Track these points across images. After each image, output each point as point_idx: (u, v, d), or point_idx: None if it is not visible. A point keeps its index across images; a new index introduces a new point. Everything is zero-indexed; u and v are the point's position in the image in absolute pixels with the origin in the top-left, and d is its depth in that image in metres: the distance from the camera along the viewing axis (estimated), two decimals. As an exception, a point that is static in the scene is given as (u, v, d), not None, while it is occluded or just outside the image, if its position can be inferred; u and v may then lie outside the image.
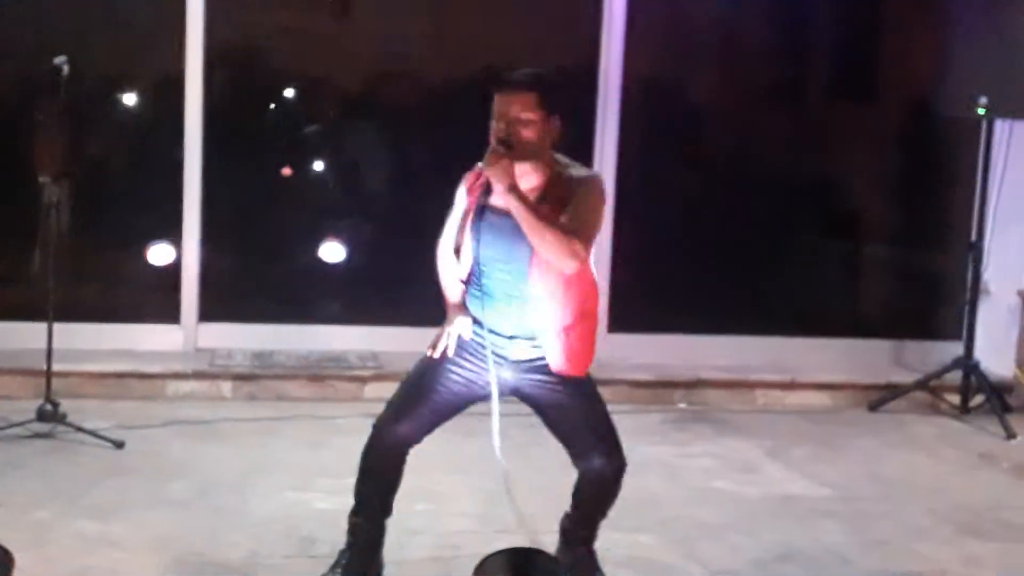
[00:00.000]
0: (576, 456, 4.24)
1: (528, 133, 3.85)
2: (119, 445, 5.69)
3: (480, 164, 3.94)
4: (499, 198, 3.93)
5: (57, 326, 5.83)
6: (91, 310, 6.61)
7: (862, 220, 7.75)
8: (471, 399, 4.22)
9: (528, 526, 4.70)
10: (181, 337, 6.91)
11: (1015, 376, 7.12)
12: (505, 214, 3.91)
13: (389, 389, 6.24)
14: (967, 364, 6.88)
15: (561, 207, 3.89)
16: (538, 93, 3.89)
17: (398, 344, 6.50)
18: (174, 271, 6.90)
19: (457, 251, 4.10)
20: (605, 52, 7.10)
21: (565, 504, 5.29)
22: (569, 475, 5.62)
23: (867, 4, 7.66)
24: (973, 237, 6.91)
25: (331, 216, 7.25)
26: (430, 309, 6.88)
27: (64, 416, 5.78)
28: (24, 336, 6.20)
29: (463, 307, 4.13)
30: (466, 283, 4.13)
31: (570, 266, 3.88)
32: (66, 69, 5.55)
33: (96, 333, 6.68)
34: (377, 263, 7.18)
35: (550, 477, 5.59)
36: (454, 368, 4.14)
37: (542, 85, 3.92)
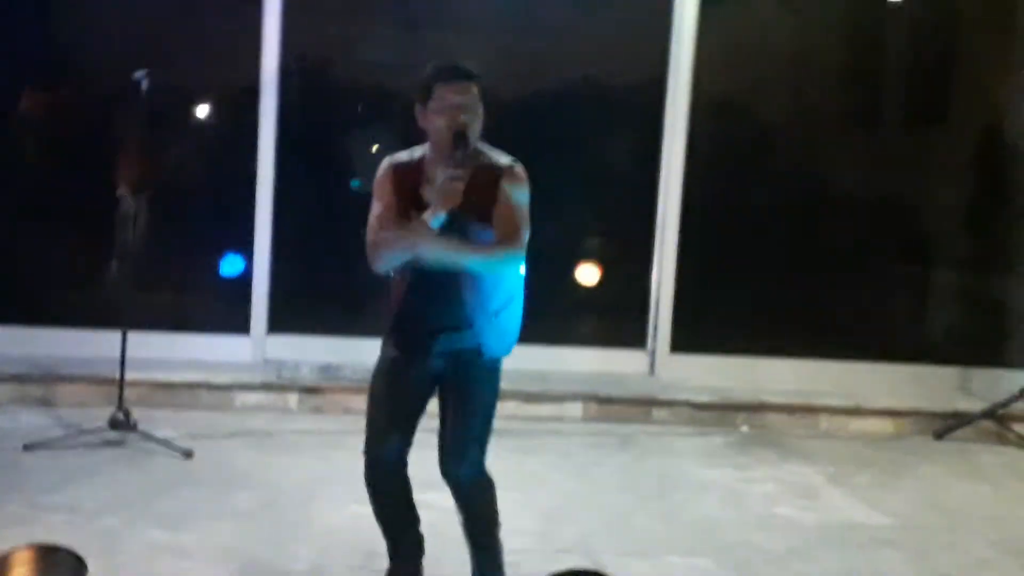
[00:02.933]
0: (445, 456, 4.17)
1: (476, 124, 3.90)
2: (188, 455, 5.76)
3: (396, 157, 4.04)
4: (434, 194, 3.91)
5: (130, 335, 5.92)
6: (163, 320, 6.68)
7: (932, 245, 7.71)
8: (430, 394, 4.22)
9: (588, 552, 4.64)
10: (250, 348, 6.98)
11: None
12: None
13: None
14: (1038, 392, 6.87)
15: (486, 194, 3.92)
16: (479, 84, 3.93)
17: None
18: (245, 282, 6.98)
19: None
20: (674, 68, 7.11)
21: (623, 523, 5.35)
22: (624, 495, 5.70)
23: (941, 30, 7.60)
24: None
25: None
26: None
27: (135, 425, 5.87)
28: (99, 344, 6.27)
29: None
30: (401, 278, 4.11)
31: (508, 269, 4.03)
32: (145, 83, 5.63)
33: (168, 343, 6.76)
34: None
35: (609, 497, 5.68)
36: (406, 371, 4.14)
37: (480, 77, 3.95)
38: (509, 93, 7.20)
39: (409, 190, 3.99)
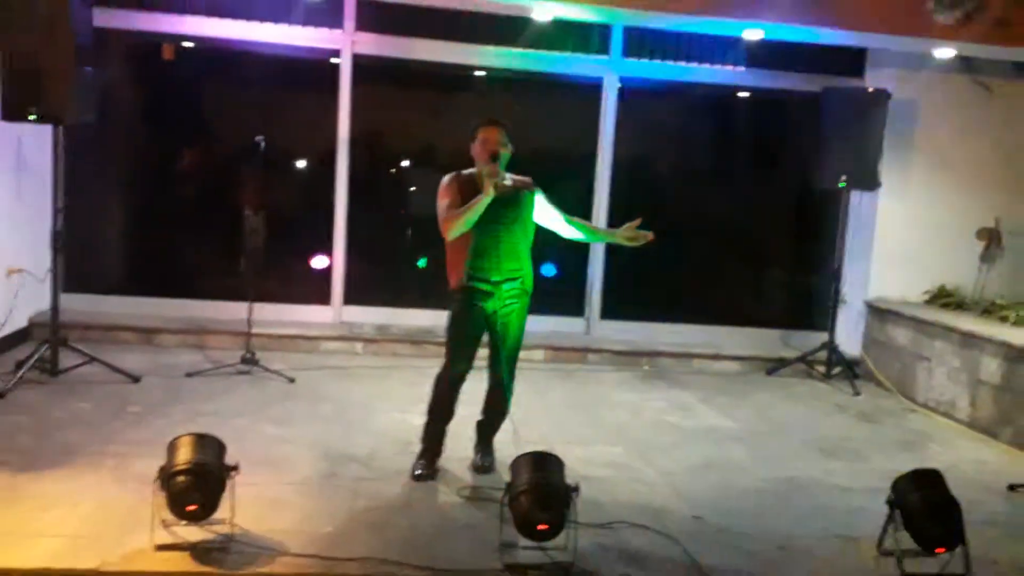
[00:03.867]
0: (498, 368, 4.42)
1: (504, 150, 4.27)
2: (291, 380, 5.80)
3: (459, 173, 4.32)
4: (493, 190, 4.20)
5: (257, 306, 5.98)
6: (275, 295, 6.64)
7: (765, 252, 7.75)
8: (484, 331, 4.38)
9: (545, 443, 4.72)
10: (331, 313, 6.98)
11: (861, 355, 7.18)
12: (501, 199, 4.21)
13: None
14: (831, 346, 6.95)
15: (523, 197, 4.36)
16: (506, 128, 4.31)
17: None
18: (328, 272, 6.97)
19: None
20: (602, 140, 7.15)
21: (568, 426, 5.41)
22: (569, 409, 5.73)
23: (772, 113, 7.68)
24: (836, 264, 6.98)
25: (427, 238, 7.34)
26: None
27: (257, 361, 5.93)
28: (234, 311, 6.29)
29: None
30: (459, 248, 4.29)
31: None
32: (262, 144, 5.69)
33: (278, 310, 6.75)
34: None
35: (559, 410, 5.74)
36: (474, 315, 4.31)
37: (506, 124, 4.32)
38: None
39: (466, 191, 4.25)
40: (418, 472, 4.35)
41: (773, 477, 4.80)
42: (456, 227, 4.19)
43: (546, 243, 7.35)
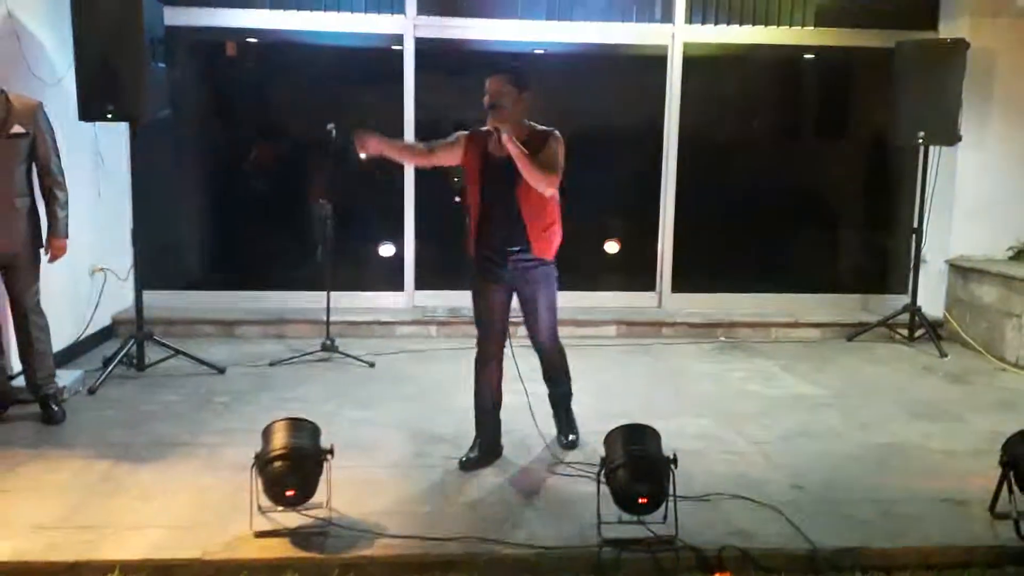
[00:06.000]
0: (533, 335, 4.18)
1: (505, 101, 3.84)
2: (371, 365, 5.77)
3: (482, 128, 3.94)
4: (496, 150, 3.91)
5: (332, 294, 5.94)
6: (350, 283, 6.59)
7: (840, 216, 7.49)
8: (509, 303, 4.13)
9: (630, 417, 4.59)
10: (404, 298, 6.93)
11: (944, 316, 6.89)
12: (502, 161, 3.88)
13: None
14: (913, 308, 6.68)
15: (540, 146, 3.90)
16: (510, 74, 3.89)
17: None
18: (399, 259, 6.92)
19: (431, 151, 4.09)
20: (667, 111, 6.96)
21: (648, 398, 5.24)
22: (647, 381, 5.58)
23: (839, 75, 7.40)
24: (915, 224, 6.70)
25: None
26: (566, 277, 6.90)
27: (337, 347, 5.90)
28: (313, 300, 6.28)
29: (381, 144, 3.99)
30: (475, 218, 4.02)
31: (549, 190, 3.90)
32: (334, 132, 5.57)
33: (353, 297, 6.70)
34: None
35: (637, 382, 5.58)
36: (491, 292, 4.08)
37: (513, 70, 3.92)
38: (571, 128, 7.05)
39: (471, 147, 4.02)
40: (462, 459, 4.15)
41: (870, 442, 4.60)
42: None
43: (614, 216, 7.37)
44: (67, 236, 4.58)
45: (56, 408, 4.63)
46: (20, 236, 4.45)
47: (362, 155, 3.96)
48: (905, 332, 6.70)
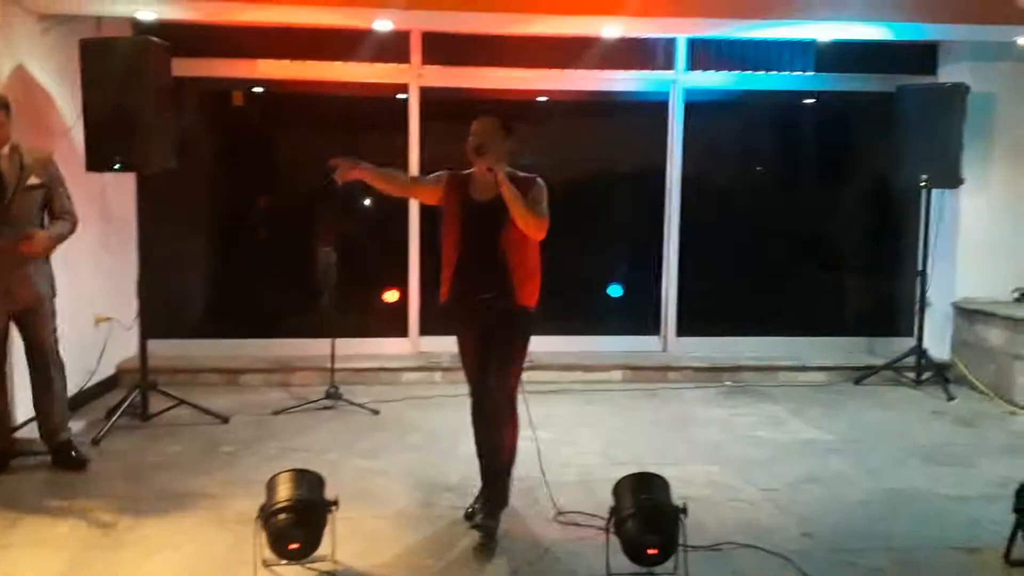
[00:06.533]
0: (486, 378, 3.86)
1: (492, 144, 3.73)
2: (376, 412, 5.72)
3: (463, 172, 3.85)
4: (479, 195, 3.80)
5: (337, 340, 5.90)
6: (354, 330, 6.53)
7: (845, 259, 7.46)
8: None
9: (639, 464, 4.54)
10: (409, 345, 6.89)
11: (951, 359, 6.83)
12: (485, 206, 3.77)
13: (541, 375, 6.32)
14: (919, 351, 6.63)
15: (524, 193, 3.72)
16: (497, 118, 3.81)
17: (549, 347, 6.42)
18: (403, 305, 6.88)
19: (413, 183, 4.12)
20: (670, 155, 6.98)
21: (657, 445, 5.17)
22: (655, 427, 5.53)
23: (839, 119, 7.41)
24: (919, 267, 6.67)
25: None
26: (571, 322, 6.87)
27: (341, 395, 5.85)
28: (316, 348, 6.23)
29: (361, 171, 3.87)
30: (451, 262, 3.85)
31: (539, 235, 3.75)
32: (335, 180, 5.59)
33: (358, 344, 6.63)
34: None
35: (645, 429, 5.52)
36: (469, 337, 3.93)
37: (500, 115, 3.84)
38: (575, 174, 7.04)
39: (452, 190, 3.88)
40: (467, 510, 4.04)
41: (879, 488, 4.54)
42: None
43: (616, 260, 7.37)
44: (47, 247, 4.51)
45: (76, 453, 4.65)
46: (38, 285, 4.51)
47: (338, 180, 3.86)
48: (912, 375, 6.64)
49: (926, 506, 4.32)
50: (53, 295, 4.63)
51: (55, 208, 4.54)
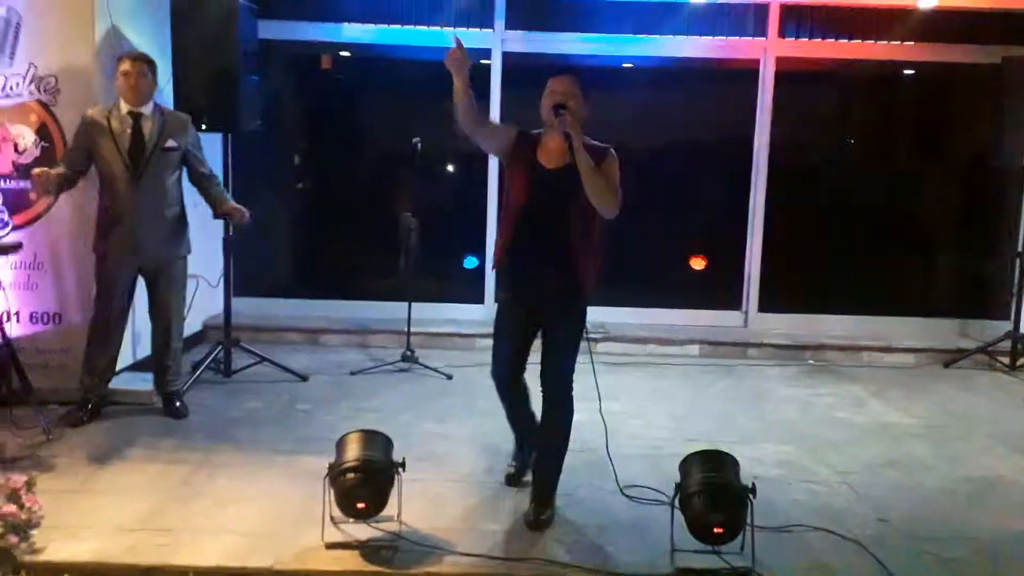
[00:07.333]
0: (544, 376, 3.69)
1: (572, 103, 3.49)
2: (449, 377, 5.76)
3: (533, 131, 3.62)
4: (547, 160, 3.56)
5: (413, 304, 5.97)
6: (432, 294, 6.59)
7: (938, 238, 7.17)
8: (534, 328, 3.75)
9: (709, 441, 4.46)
10: (484, 311, 6.78)
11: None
12: (555, 173, 3.53)
13: (612, 346, 6.28)
14: (1015, 335, 6.36)
15: (597, 163, 3.45)
16: (577, 77, 3.57)
17: (617, 317, 6.47)
18: (480, 271, 6.88)
19: (484, 121, 3.78)
20: (758, 126, 6.78)
21: (731, 422, 5.08)
22: (730, 404, 5.42)
23: (936, 93, 7.10)
24: (1019, 248, 6.39)
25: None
26: (642, 296, 6.77)
27: (416, 358, 5.91)
28: (394, 311, 6.28)
29: (465, 80, 3.53)
30: (509, 230, 3.59)
31: (613, 210, 3.47)
32: (419, 146, 5.63)
33: (435, 308, 6.69)
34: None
35: (720, 405, 5.42)
36: (509, 308, 3.75)
37: (579, 73, 3.60)
38: (658, 143, 6.98)
39: (519, 151, 3.64)
40: (507, 471, 4.10)
41: (962, 476, 4.37)
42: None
43: (701, 232, 7.22)
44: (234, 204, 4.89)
45: (180, 404, 4.88)
46: (169, 243, 4.73)
47: (455, 64, 3.56)
48: (1007, 360, 6.37)
49: (1010, 497, 4.15)
50: (184, 255, 4.85)
51: (195, 171, 4.80)
